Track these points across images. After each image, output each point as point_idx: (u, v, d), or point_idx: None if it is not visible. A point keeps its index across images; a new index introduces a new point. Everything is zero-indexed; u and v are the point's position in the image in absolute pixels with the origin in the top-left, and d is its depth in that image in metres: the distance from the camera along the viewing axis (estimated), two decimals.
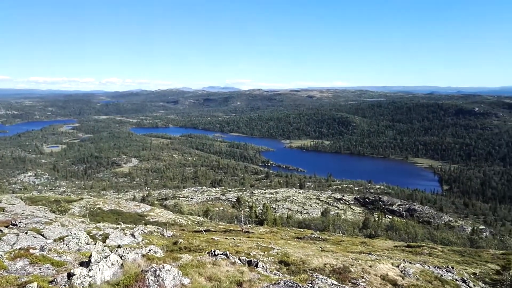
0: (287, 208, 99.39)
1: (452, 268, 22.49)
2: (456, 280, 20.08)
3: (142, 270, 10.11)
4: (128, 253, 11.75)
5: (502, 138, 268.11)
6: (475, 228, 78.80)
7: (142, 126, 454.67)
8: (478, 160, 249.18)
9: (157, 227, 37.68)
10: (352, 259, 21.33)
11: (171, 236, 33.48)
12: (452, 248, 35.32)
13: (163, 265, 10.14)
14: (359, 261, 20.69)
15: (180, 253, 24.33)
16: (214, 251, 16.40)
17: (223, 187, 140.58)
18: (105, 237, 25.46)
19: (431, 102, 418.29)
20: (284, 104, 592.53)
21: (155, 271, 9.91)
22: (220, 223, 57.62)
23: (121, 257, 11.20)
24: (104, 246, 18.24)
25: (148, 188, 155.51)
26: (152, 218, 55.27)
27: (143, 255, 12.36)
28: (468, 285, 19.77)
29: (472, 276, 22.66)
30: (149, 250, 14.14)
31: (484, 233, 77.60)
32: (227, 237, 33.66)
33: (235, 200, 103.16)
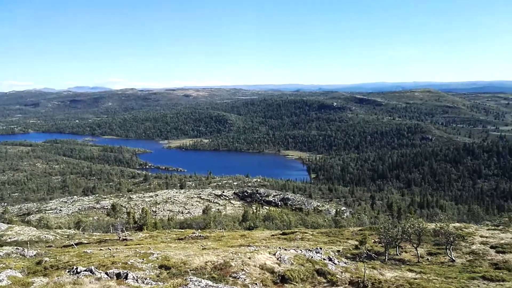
0: (168, 210, 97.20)
1: (321, 249, 24.91)
2: (324, 259, 22.33)
3: None
4: None
5: (355, 129, 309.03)
6: (338, 210, 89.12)
7: None
8: (338, 149, 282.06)
9: (16, 247, 32.87)
10: (232, 253, 21.90)
11: (35, 255, 29.65)
12: (320, 231, 39.11)
13: None
14: (239, 254, 21.38)
15: (46, 273, 21.69)
16: (77, 268, 14.99)
17: (97, 195, 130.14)
18: None
19: (298, 99, 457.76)
20: (161, 103, 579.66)
21: None
22: (95, 233, 53.32)
23: None
24: None
25: (5, 204, 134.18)
26: (10, 238, 48.14)
27: None
28: (333, 262, 22.16)
29: (337, 253, 25.44)
30: None
31: (345, 214, 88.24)
32: (102, 248, 31.27)
33: (110, 207, 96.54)
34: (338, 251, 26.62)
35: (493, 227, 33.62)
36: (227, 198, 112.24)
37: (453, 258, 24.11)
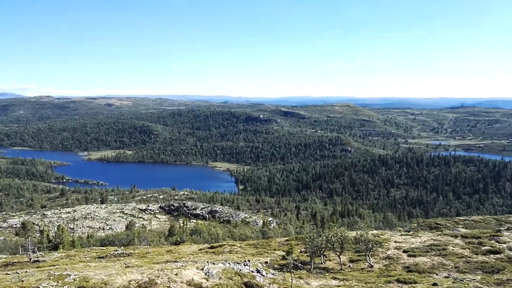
0: (88, 227, 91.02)
1: (249, 261, 25.02)
2: (252, 271, 22.43)
3: None
4: None
5: (281, 141, 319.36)
6: (265, 221, 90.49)
7: None
8: (265, 160, 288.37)
9: None
10: (158, 270, 21.07)
11: None
12: (248, 242, 39.32)
13: None
14: (165, 271, 20.64)
15: None
16: None
17: (4, 213, 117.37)
18: None
19: (226, 110, 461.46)
20: (80, 112, 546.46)
21: None
22: (0, 256, 47.80)
23: None
24: None
25: None
26: None
27: None
28: (261, 274, 22.36)
29: (265, 265, 25.74)
30: None
31: (272, 224, 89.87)
32: (9, 272, 28.10)
33: (20, 225, 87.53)
34: (266, 262, 26.94)
35: (405, 233, 36.64)
36: (153, 213, 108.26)
37: (372, 263, 25.73)
